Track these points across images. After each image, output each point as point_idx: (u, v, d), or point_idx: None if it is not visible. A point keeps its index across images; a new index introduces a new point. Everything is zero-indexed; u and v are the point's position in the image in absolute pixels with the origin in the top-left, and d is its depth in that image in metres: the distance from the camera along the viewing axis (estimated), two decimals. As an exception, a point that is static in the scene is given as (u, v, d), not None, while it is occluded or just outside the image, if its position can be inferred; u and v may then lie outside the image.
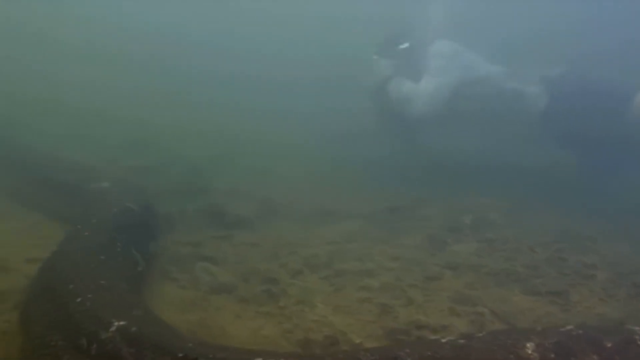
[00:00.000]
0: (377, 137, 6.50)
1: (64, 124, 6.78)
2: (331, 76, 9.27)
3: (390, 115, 5.74)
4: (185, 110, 8.09)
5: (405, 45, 6.06)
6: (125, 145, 6.35)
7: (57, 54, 9.93)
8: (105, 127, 6.88)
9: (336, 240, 3.79)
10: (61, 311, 2.23)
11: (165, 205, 4.18)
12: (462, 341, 2.00)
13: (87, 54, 10.36)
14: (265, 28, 12.85)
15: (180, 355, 1.86)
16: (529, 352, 1.94)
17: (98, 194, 3.92)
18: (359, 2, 12.88)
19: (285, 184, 5.50)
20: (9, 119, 6.27)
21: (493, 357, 1.92)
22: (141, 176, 5.10)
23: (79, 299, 2.24)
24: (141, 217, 3.50)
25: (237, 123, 7.46)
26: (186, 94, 9.09)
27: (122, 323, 2.04)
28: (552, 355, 1.94)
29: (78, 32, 11.44)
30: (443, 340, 2.00)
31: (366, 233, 3.96)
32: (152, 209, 3.76)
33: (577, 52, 6.70)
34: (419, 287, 3.07)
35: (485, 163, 5.61)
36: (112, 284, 2.49)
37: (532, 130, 5.22)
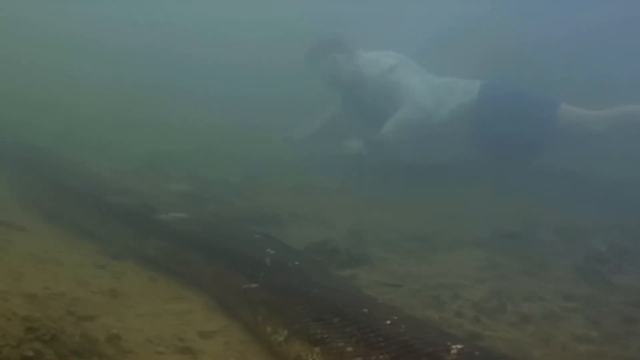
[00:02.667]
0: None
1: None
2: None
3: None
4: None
5: (342, 55, 5.85)
6: (146, 158, 5.53)
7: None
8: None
9: (479, 276, 3.22)
10: None
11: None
12: None
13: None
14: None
15: None
16: None
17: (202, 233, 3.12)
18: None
19: (330, 201, 4.96)
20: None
21: None
22: (194, 200, 4.31)
23: None
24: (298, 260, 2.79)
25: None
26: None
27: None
28: None
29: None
30: None
31: (499, 264, 3.40)
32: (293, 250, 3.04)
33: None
34: (623, 331, 2.61)
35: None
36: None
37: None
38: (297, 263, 2.63)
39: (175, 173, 5.31)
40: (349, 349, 1.88)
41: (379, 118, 5.81)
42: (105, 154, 5.67)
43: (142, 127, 6.92)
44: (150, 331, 2.08)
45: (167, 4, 12.76)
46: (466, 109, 5.69)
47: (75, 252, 2.99)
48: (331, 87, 6.29)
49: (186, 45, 10.21)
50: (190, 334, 2.15)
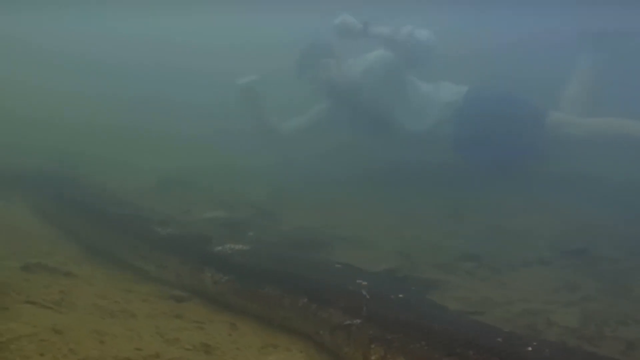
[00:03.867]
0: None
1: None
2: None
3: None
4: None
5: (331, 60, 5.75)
6: (160, 177, 5.25)
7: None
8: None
9: (563, 299, 3.06)
10: None
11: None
12: None
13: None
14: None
15: None
16: None
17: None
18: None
19: (364, 217, 4.80)
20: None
21: None
22: (232, 227, 4.06)
23: None
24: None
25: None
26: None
27: None
28: None
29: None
30: None
31: (577, 285, 3.22)
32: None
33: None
34: None
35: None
36: None
37: None
38: (400, 295, 2.44)
39: (196, 194, 5.06)
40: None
41: (370, 121, 5.77)
42: (115, 173, 5.42)
43: (142, 142, 6.66)
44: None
45: (153, 17, 12.41)
46: (454, 110, 5.67)
47: (137, 297, 2.73)
48: (323, 93, 6.06)
49: (175, 58, 9.89)
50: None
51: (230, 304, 2.81)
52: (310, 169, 6.07)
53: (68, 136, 6.39)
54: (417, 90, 5.81)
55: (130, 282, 3.01)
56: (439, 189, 5.42)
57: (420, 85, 5.86)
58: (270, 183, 5.66)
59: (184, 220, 4.01)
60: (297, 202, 5.16)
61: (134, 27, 11.53)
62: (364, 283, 2.50)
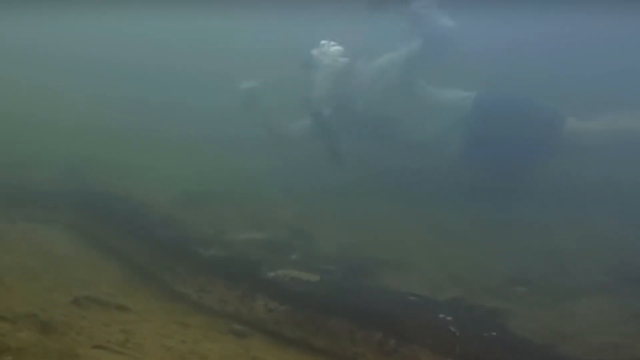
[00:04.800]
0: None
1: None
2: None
3: None
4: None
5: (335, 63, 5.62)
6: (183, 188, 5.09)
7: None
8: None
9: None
10: None
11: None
12: None
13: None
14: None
15: None
16: None
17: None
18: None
19: (401, 236, 4.66)
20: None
21: None
22: (274, 249, 3.89)
23: None
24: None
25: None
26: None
27: None
28: None
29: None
30: None
31: None
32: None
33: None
34: None
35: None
36: None
37: None
38: (493, 333, 2.31)
39: (224, 209, 4.91)
40: None
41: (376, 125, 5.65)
42: (138, 181, 5.28)
43: (157, 147, 6.53)
44: None
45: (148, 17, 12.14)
46: (466, 115, 5.49)
47: (200, 333, 2.56)
48: (327, 94, 5.86)
49: (183, 60, 9.67)
50: None
51: (293, 338, 2.66)
52: (324, 177, 5.90)
53: (85, 141, 6.25)
54: (427, 95, 5.65)
55: (183, 314, 2.84)
56: (465, 200, 5.30)
57: (430, 90, 5.69)
58: (292, 193, 5.53)
59: (223, 240, 3.85)
60: (326, 218, 5.01)
61: (140, 28, 11.27)
62: (449, 318, 2.37)
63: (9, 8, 10.11)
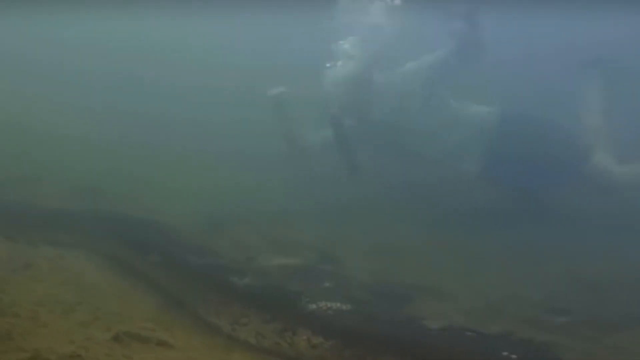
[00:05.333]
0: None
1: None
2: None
3: None
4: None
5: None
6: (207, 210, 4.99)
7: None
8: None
9: None
10: None
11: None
12: None
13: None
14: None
15: None
16: None
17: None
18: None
19: (431, 263, 4.56)
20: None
21: None
22: (307, 276, 3.78)
23: None
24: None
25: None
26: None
27: None
28: None
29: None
30: None
31: None
32: None
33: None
34: None
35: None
36: None
37: None
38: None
39: (249, 233, 4.80)
40: None
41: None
42: (160, 199, 5.18)
43: (173, 162, 6.43)
44: None
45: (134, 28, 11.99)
46: (488, 133, 5.45)
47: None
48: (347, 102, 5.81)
49: (196, 76, 9.58)
50: None
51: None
52: (345, 192, 5.81)
53: (101, 155, 6.15)
54: (450, 110, 5.61)
55: (224, 350, 2.72)
56: (488, 221, 5.24)
57: (454, 104, 5.64)
58: (313, 211, 5.44)
59: (254, 267, 3.73)
60: (352, 239, 4.94)
61: (154, 42, 11.19)
62: (514, 357, 2.27)
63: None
